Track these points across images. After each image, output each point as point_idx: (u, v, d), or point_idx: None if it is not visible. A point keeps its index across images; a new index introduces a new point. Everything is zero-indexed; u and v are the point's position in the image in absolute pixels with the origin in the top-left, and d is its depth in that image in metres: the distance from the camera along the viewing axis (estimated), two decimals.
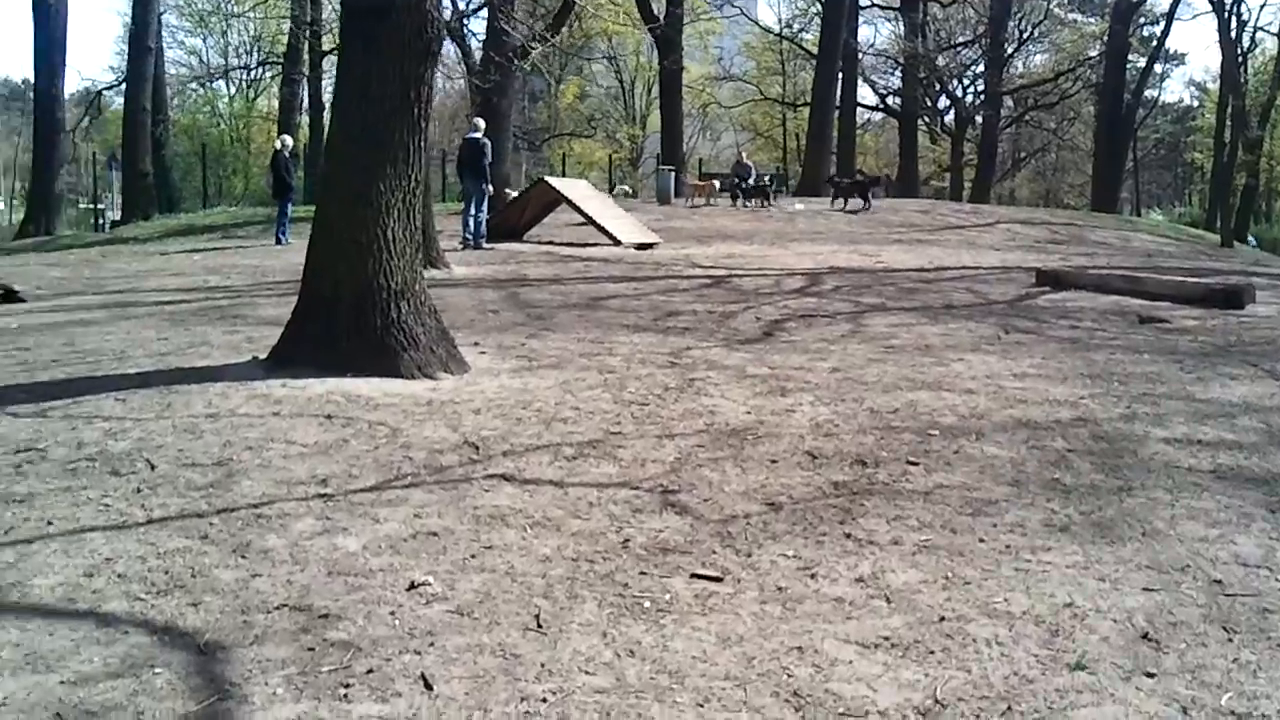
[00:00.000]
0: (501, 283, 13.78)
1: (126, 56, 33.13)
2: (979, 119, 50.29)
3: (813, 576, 4.28)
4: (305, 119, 40.88)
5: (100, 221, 31.44)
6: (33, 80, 31.94)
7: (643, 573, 4.33)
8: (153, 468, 5.54)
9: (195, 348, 8.73)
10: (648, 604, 4.02)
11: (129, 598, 4.01)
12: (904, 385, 7.63)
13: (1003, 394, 7.37)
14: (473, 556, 4.46)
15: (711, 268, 16.06)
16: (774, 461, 5.81)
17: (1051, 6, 49.91)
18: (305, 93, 39.56)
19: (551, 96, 58.63)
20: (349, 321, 7.49)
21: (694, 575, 4.30)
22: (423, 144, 7.62)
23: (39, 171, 29.68)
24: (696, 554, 4.52)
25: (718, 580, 4.25)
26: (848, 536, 4.72)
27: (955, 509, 5.07)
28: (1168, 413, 6.93)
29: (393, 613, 3.90)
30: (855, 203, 29.28)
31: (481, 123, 18.62)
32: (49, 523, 4.78)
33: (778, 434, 6.36)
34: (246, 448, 5.87)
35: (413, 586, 4.13)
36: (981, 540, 4.68)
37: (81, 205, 43.10)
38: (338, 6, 40.23)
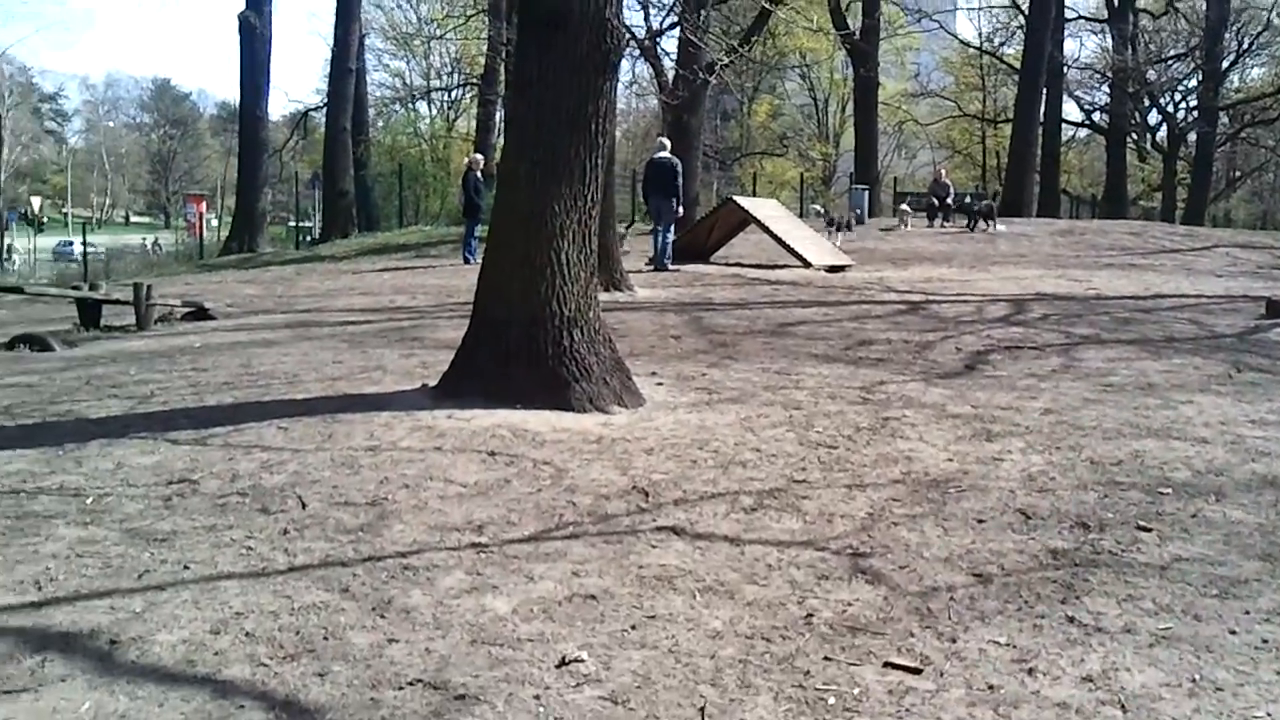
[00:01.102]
0: (685, 306, 13.29)
1: (329, 79, 34.11)
2: (1192, 136, 47.49)
3: (1030, 672, 3.60)
4: (500, 140, 41.41)
5: (301, 239, 32.38)
6: (239, 102, 33.18)
7: (827, 658, 3.72)
8: (304, 506, 5.21)
9: (368, 372, 8.49)
10: (832, 700, 3.42)
11: (252, 662, 3.61)
12: (1127, 431, 6.79)
13: (1242, 445, 6.46)
14: (633, 628, 3.92)
15: (907, 292, 15.23)
16: (980, 521, 5.12)
17: (1272, 17, 46.76)
18: (500, 114, 40.03)
19: (743, 115, 58.18)
20: (519, 349, 7.10)
21: (888, 664, 3.67)
22: (600, 162, 7.18)
23: (243, 190, 30.76)
24: (891, 635, 3.89)
25: (916, 672, 3.61)
26: (1070, 620, 4.01)
27: (1198, 589, 4.30)
28: None
29: (537, 696, 3.40)
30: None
31: (667, 142, 18.20)
32: (186, 567, 4.46)
33: (984, 487, 5.65)
34: (403, 486, 5.50)
35: (563, 663, 3.63)
36: (1232, 632, 3.91)
37: (289, 223, 44.69)
38: None
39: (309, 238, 33.55)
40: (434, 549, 4.67)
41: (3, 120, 50.68)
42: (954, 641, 3.83)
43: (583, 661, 3.63)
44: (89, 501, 5.30)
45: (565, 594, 4.21)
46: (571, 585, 4.29)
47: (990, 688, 3.49)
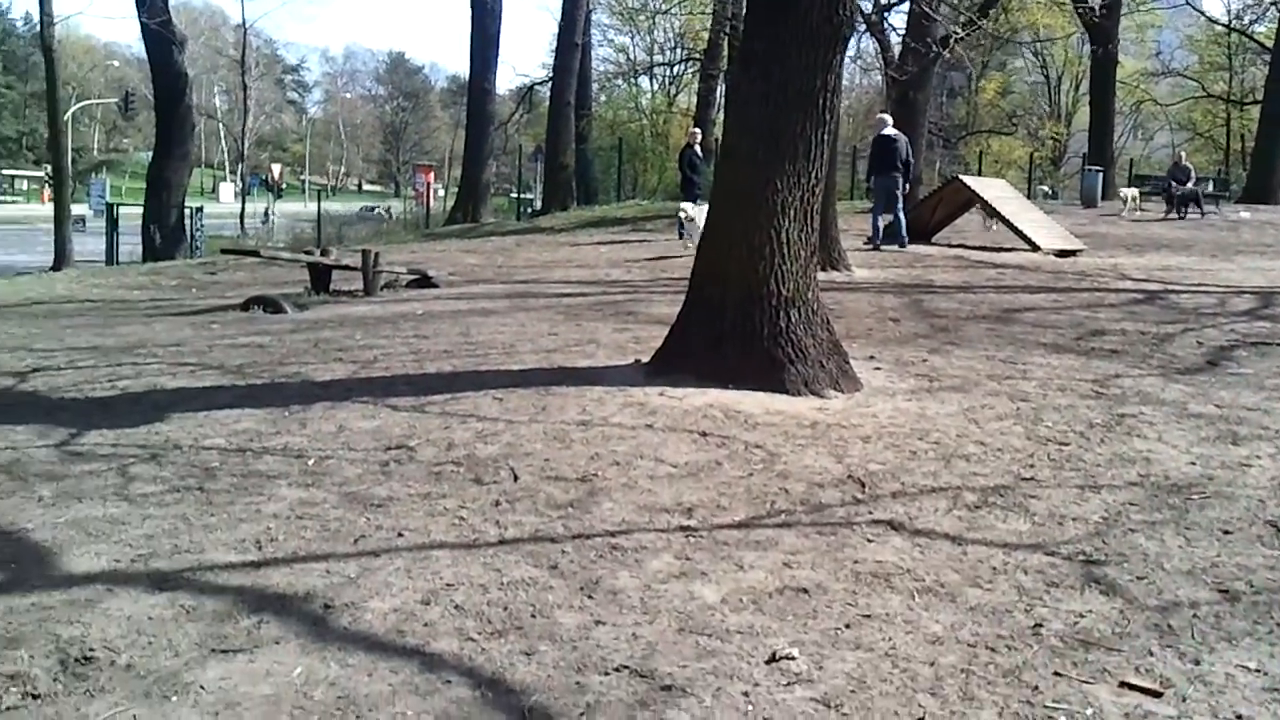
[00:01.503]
0: (905, 288, 12.89)
1: (555, 53, 34.59)
2: None
3: None
4: (720, 115, 41.26)
5: (522, 210, 33.00)
6: (468, 75, 33.95)
7: (1058, 673, 3.46)
8: (516, 478, 5.20)
9: (582, 345, 8.50)
10: (1062, 719, 3.17)
11: (460, 636, 3.59)
12: None
13: None
14: (847, 626, 3.74)
15: (1143, 280, 14.41)
16: (1227, 532, 4.71)
17: None
18: (721, 90, 39.90)
19: (971, 92, 56.44)
20: (734, 328, 6.95)
21: (1124, 684, 3.38)
22: (826, 139, 6.94)
23: (469, 161, 31.51)
24: (1127, 653, 3.59)
25: (1156, 695, 3.31)
26: None
27: None
28: None
29: (746, 693, 3.26)
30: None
31: (889, 118, 17.71)
32: (400, 534, 4.49)
33: (1230, 494, 5.21)
34: (614, 463, 5.43)
35: (773, 659, 3.47)
36: None
37: (511, 194, 45.68)
38: None
39: (529, 209, 34.15)
40: (643, 530, 4.58)
41: (248, 90, 53.29)
42: (1197, 664, 3.51)
43: (794, 659, 3.47)
44: (310, 463, 5.42)
45: (776, 585, 4.05)
46: (783, 577, 4.13)
47: (1238, 718, 3.18)
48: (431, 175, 57.59)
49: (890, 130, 17.41)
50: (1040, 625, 3.78)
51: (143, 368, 7.85)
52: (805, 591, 4.00)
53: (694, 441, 5.79)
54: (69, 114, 50.03)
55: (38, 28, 27.11)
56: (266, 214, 49.66)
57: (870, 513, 4.85)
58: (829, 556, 4.34)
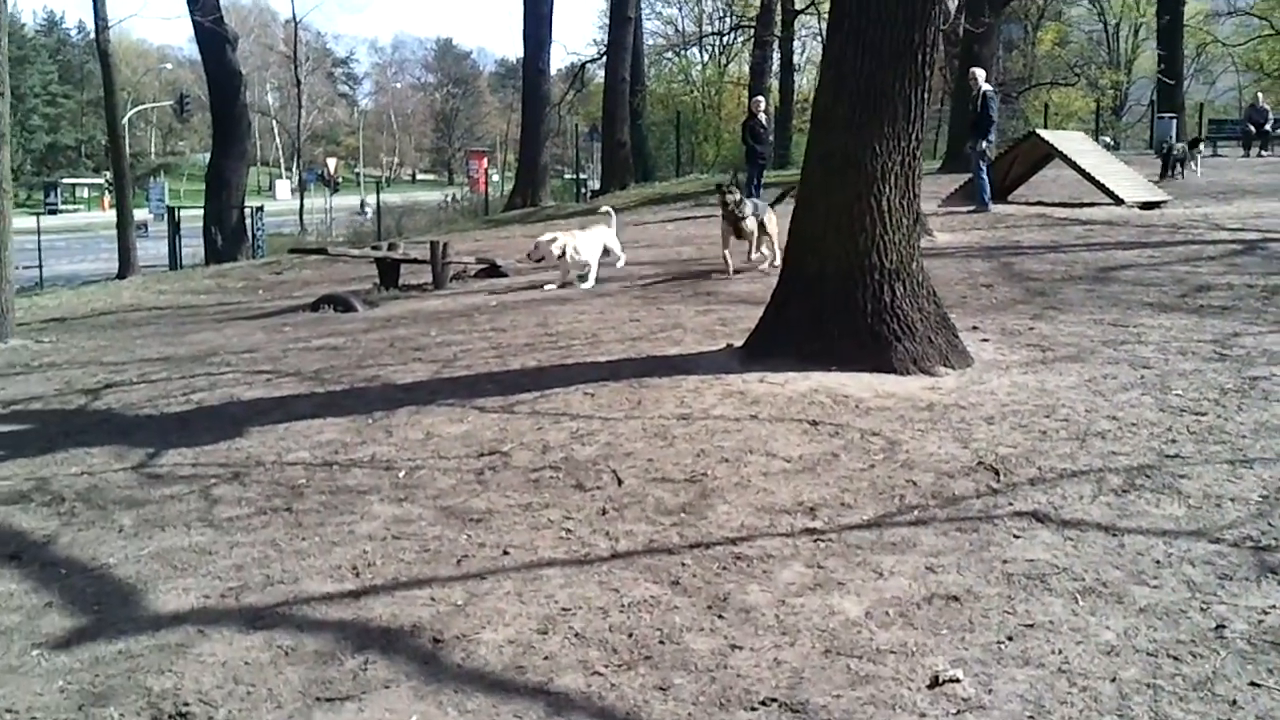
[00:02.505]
0: (991, 251, 12.35)
1: (608, 28, 34.12)
2: None
3: None
4: (775, 83, 40.62)
5: (581, 191, 32.64)
6: (521, 57, 33.60)
7: (1254, 683, 3.06)
8: (619, 482, 4.85)
9: (667, 331, 8.12)
10: None
11: (585, 670, 3.25)
12: None
13: None
14: (1009, 639, 3.35)
15: (1239, 230, 13.73)
16: None
17: None
18: (777, 56, 39.26)
19: (1027, 45, 55.10)
20: (835, 305, 6.53)
21: None
22: (925, 97, 6.49)
23: (526, 144, 31.18)
24: None
25: None
26: None
27: None
28: None
29: None
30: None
31: (980, 73, 17.05)
32: (505, 551, 4.17)
33: None
34: (722, 459, 5.06)
35: (935, 683, 3.10)
36: None
37: (565, 176, 45.31)
38: None
39: (587, 190, 33.79)
40: (765, 535, 4.21)
41: (301, 85, 53.36)
42: None
43: (958, 682, 3.10)
44: (401, 475, 5.11)
45: (922, 594, 3.67)
46: (928, 583, 3.75)
47: None
48: (485, 161, 57.44)
49: (987, 86, 16.76)
50: (1222, 626, 3.38)
51: (217, 378, 7.59)
52: (955, 599, 3.62)
53: (804, 432, 5.40)
54: (125, 119, 50.37)
55: (92, 35, 27.11)
56: (370, 206, 49.73)
57: (1010, 504, 4.45)
58: (974, 557, 3.95)
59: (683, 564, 3.97)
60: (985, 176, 16.57)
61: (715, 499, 4.60)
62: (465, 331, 8.80)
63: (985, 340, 7.31)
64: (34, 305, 15.97)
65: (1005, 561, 3.89)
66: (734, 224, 11.16)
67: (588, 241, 11.89)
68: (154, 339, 10.38)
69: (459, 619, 3.61)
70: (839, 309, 6.51)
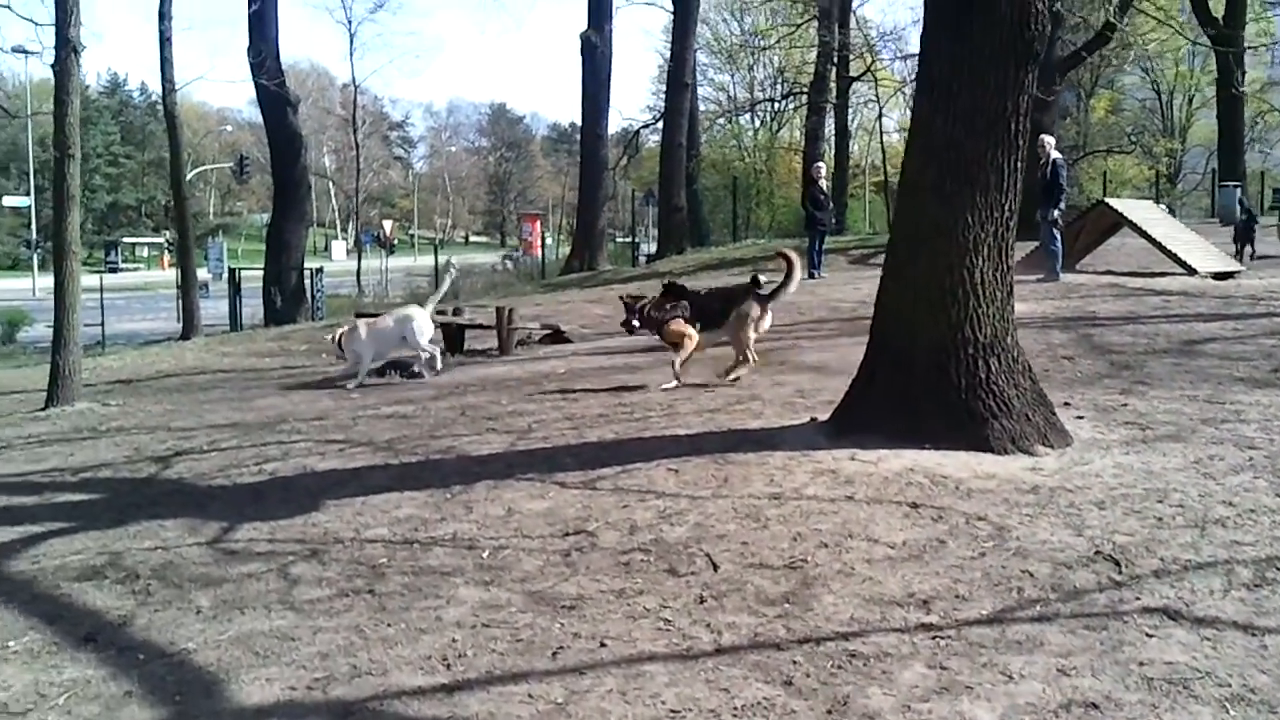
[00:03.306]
0: (1068, 322, 12.06)
1: (665, 94, 34.25)
2: None
3: None
4: (829, 149, 40.62)
5: (637, 255, 32.59)
6: (579, 122, 33.75)
7: None
8: (715, 567, 4.62)
9: (744, 403, 7.90)
10: None
11: None
12: None
13: None
14: None
15: None
16: None
17: None
18: (831, 122, 39.29)
19: (1081, 113, 54.87)
20: (927, 380, 6.29)
21: None
22: (1019, 166, 6.29)
23: (584, 208, 31.19)
24: None
25: None
26: None
27: None
28: None
29: None
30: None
31: (1050, 140, 16.77)
32: (602, 643, 3.94)
33: None
34: (820, 544, 4.82)
35: None
36: None
37: (618, 239, 45.36)
38: (865, 32, 39.94)
39: (643, 255, 33.75)
40: (878, 630, 3.96)
41: (359, 149, 54.03)
42: None
43: None
44: (485, 555, 4.91)
45: (1058, 700, 3.40)
46: (1062, 688, 3.47)
47: None
48: (538, 224, 57.76)
49: (1056, 154, 16.48)
50: None
51: (289, 446, 7.45)
52: (1095, 707, 3.35)
53: (906, 515, 5.15)
54: (186, 180, 51.19)
55: (154, 98, 27.51)
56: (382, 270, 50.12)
57: (1136, 598, 4.17)
58: (1108, 658, 3.67)
59: (793, 661, 3.73)
60: (1058, 246, 16.23)
61: (819, 588, 4.36)
62: (537, 400, 8.62)
63: (1080, 417, 7.04)
64: (99, 366, 15.98)
65: (1142, 664, 3.62)
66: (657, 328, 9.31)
67: (367, 333, 10.94)
68: (221, 404, 10.29)
69: (560, 719, 3.39)
70: (931, 384, 6.27)
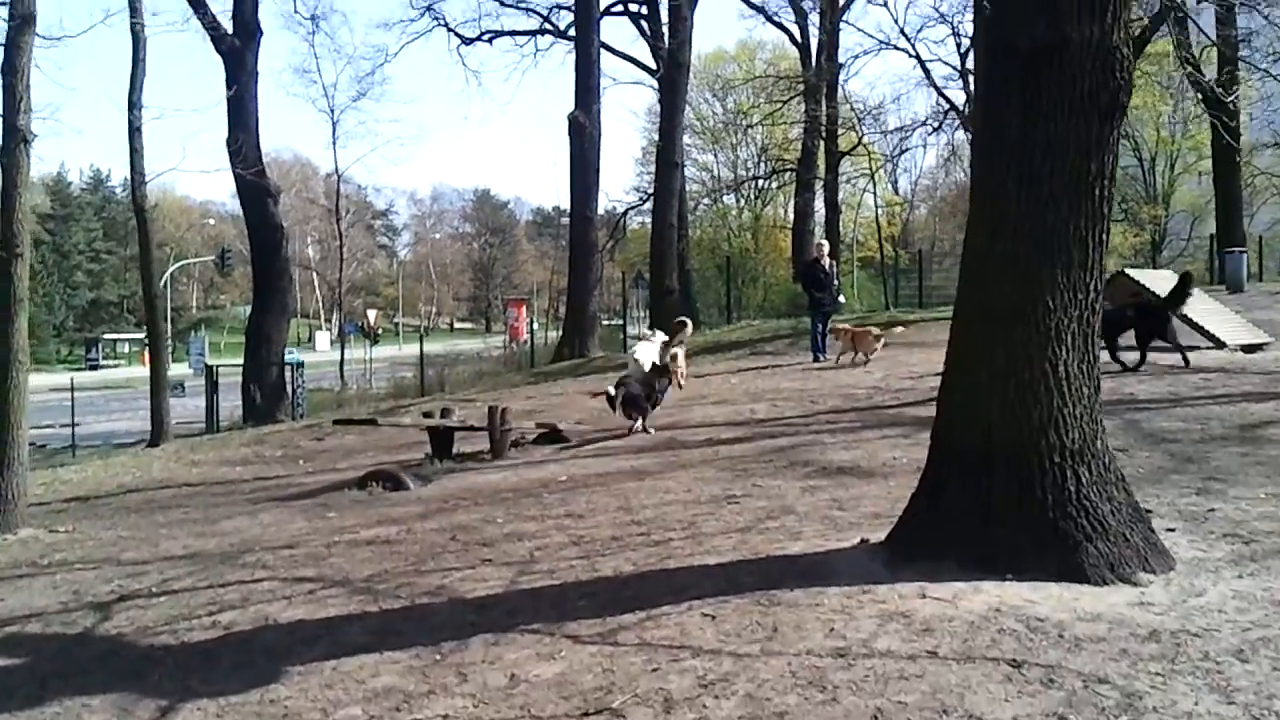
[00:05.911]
0: (1108, 406, 11.04)
1: (654, 174, 33.60)
2: None
3: None
4: (819, 228, 40.00)
5: (626, 340, 31.63)
6: (565, 205, 33.06)
7: None
8: None
9: (777, 518, 6.89)
10: None
11: None
12: None
13: None
14: None
15: None
16: None
17: None
18: (821, 199, 38.71)
19: None
20: (1005, 495, 5.28)
21: None
22: (1105, 238, 5.36)
23: (574, 292, 30.27)
24: None
25: None
26: None
27: None
28: None
29: None
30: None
31: None
32: None
33: None
34: None
35: None
36: None
37: (605, 323, 44.46)
38: (856, 107, 39.50)
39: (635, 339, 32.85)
40: None
41: (343, 239, 53.31)
42: None
43: None
44: None
45: None
46: None
47: None
48: (524, 308, 56.88)
49: None
50: None
51: (250, 588, 6.40)
52: None
53: (1008, 679, 4.11)
54: (168, 274, 50.21)
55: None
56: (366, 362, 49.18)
57: None
58: None
59: None
60: None
61: None
62: (538, 519, 7.58)
63: (1171, 529, 6.04)
64: (56, 480, 14.91)
65: None
66: None
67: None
68: (182, 527, 9.23)
69: None
70: (1011, 500, 5.26)
